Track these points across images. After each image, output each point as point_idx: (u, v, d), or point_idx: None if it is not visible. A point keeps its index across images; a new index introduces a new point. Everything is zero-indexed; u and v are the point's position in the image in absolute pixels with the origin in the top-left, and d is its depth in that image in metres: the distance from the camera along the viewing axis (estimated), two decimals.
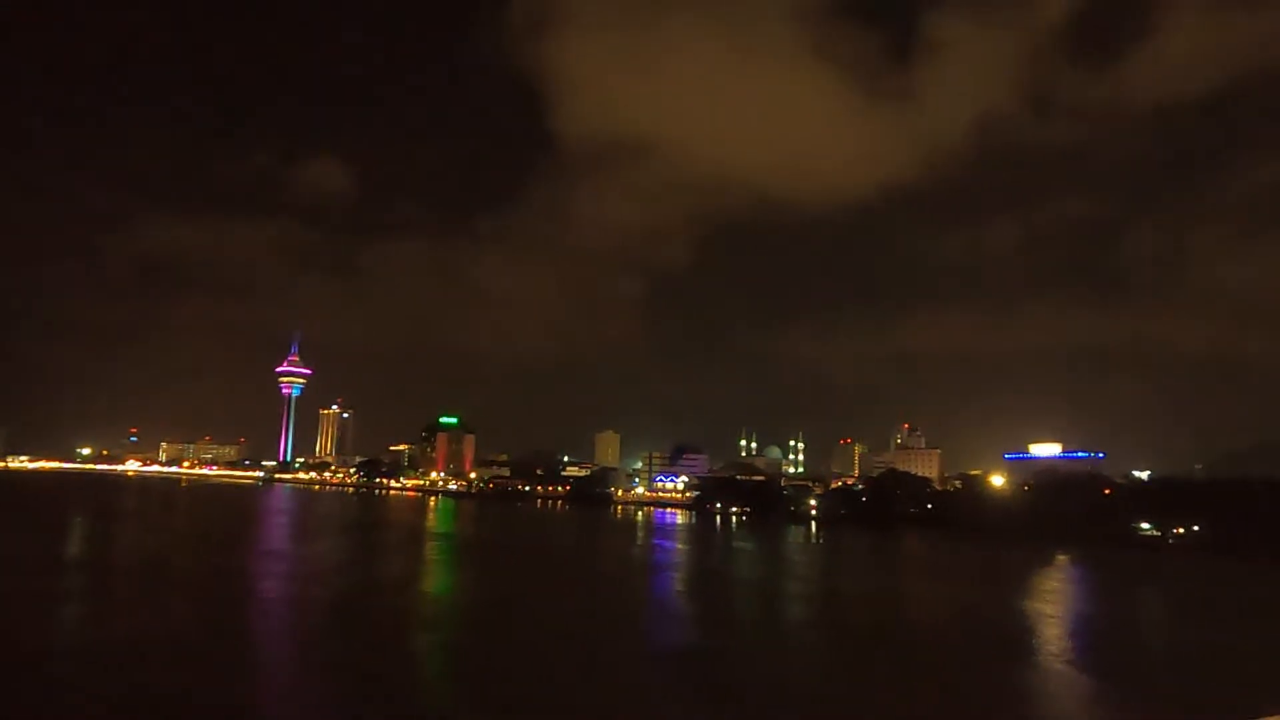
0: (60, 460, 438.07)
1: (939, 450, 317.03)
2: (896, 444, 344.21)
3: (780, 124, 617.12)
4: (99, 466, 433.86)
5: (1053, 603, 74.33)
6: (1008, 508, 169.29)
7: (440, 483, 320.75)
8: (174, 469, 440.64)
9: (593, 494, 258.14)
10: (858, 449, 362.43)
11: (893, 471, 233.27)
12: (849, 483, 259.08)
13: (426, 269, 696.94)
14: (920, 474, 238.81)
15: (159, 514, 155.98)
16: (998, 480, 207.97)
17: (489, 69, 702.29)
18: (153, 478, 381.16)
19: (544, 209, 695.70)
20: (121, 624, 48.65)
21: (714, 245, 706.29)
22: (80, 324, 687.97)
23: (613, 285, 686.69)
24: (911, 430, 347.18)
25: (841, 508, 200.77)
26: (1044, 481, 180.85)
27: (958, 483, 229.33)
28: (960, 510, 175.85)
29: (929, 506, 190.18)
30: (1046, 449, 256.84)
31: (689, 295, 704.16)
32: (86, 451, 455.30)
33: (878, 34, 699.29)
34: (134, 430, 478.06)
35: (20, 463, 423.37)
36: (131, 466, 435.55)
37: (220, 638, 45.76)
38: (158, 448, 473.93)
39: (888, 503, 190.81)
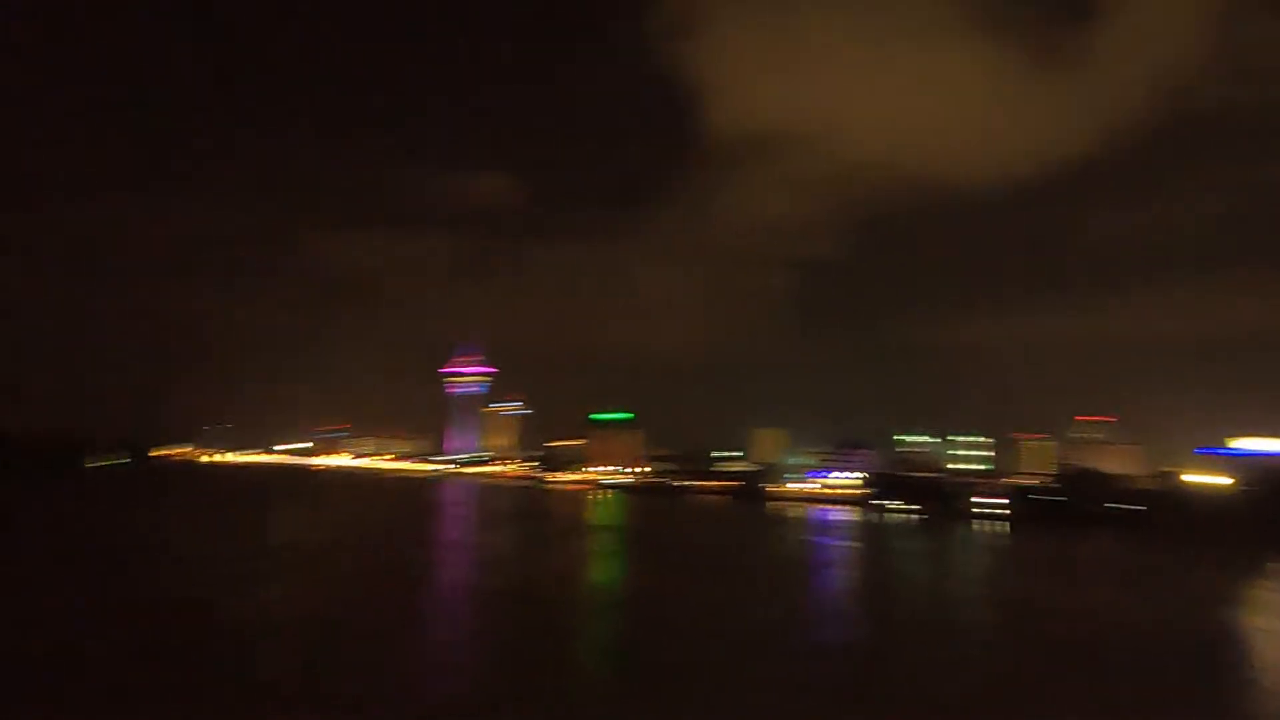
0: (263, 454, 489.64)
1: (1139, 445, 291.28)
2: (1087, 438, 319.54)
3: (936, 102, 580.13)
4: (298, 460, 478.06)
5: (1267, 616, 66.27)
6: (1220, 508, 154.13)
7: (606, 477, 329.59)
8: (363, 462, 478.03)
9: (754, 489, 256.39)
10: (1042, 444, 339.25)
11: (1083, 468, 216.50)
12: (1032, 479, 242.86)
13: (583, 270, 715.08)
14: (1115, 471, 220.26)
15: (348, 504, 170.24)
16: (1209, 478, 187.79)
17: (634, 71, 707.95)
18: (347, 470, 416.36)
19: (693, 206, 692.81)
20: (310, 604, 53.61)
21: (869, 235, 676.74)
22: (276, 335, 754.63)
23: (765, 280, 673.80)
24: (1105, 423, 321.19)
25: (1024, 506, 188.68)
26: (1264, 479, 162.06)
27: (1160, 480, 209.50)
28: (1164, 511, 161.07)
29: (1127, 506, 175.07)
30: (1266, 444, 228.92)
31: (844, 288, 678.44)
32: (288, 446, 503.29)
33: None
34: (333, 427, 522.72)
35: (243, 455, 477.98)
36: (328, 461, 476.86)
37: (401, 619, 49.39)
38: (353, 443, 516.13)
39: (1078, 501, 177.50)
